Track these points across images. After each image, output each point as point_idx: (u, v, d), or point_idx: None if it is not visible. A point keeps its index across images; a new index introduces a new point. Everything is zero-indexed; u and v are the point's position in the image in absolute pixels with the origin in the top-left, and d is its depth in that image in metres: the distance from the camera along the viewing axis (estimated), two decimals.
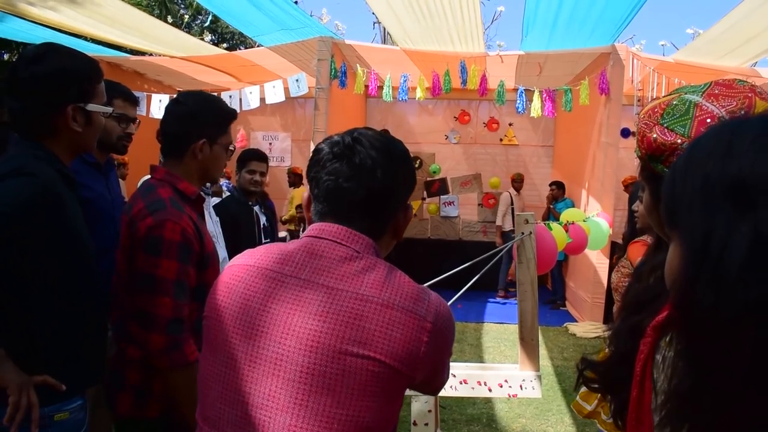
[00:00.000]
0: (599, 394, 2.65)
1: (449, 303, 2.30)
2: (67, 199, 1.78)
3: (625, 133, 8.79)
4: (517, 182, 9.51)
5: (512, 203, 9.30)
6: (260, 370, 1.10)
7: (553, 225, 5.02)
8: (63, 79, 1.79)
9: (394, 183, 1.22)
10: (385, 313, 1.09)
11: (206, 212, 3.11)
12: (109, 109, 1.97)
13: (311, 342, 1.07)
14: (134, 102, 2.73)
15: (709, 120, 1.11)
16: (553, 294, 9.06)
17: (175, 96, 2.07)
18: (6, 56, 13.00)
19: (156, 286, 1.80)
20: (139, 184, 4.94)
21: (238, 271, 1.20)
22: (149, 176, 2.07)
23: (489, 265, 2.75)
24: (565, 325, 7.75)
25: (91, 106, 1.85)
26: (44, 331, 1.71)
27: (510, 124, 10.99)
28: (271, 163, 5.24)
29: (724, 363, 0.69)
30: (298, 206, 8.87)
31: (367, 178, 1.18)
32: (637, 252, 3.50)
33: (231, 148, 2.16)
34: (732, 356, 0.68)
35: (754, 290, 0.66)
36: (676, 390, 0.77)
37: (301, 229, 8.71)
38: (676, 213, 0.78)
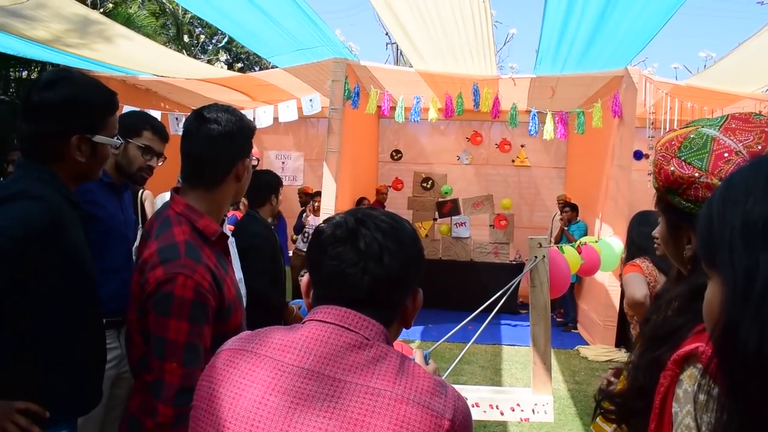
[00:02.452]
0: None
1: (482, 326, 2.29)
2: (71, 223, 1.77)
3: (638, 155, 8.77)
4: (560, 203, 9.49)
5: (552, 225, 9.36)
6: None
7: (566, 248, 5.02)
8: (72, 109, 1.77)
9: (403, 269, 1.12)
10: (399, 408, 0.98)
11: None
12: (118, 142, 1.95)
13: None
14: (163, 137, 2.67)
15: (726, 154, 1.13)
16: (564, 316, 9.01)
17: (195, 111, 1.88)
18: (24, 73, 13.20)
19: (165, 350, 1.62)
20: (156, 201, 4.91)
21: (233, 357, 1.10)
22: (167, 193, 1.91)
23: (510, 289, 2.74)
24: (576, 348, 7.69)
25: (99, 138, 1.83)
26: (35, 357, 1.69)
27: (522, 146, 11.01)
28: (283, 182, 5.21)
29: None
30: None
31: (373, 264, 1.08)
32: (627, 271, 3.58)
33: (255, 162, 2.04)
34: None
35: None
36: None
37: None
38: (715, 252, 0.77)
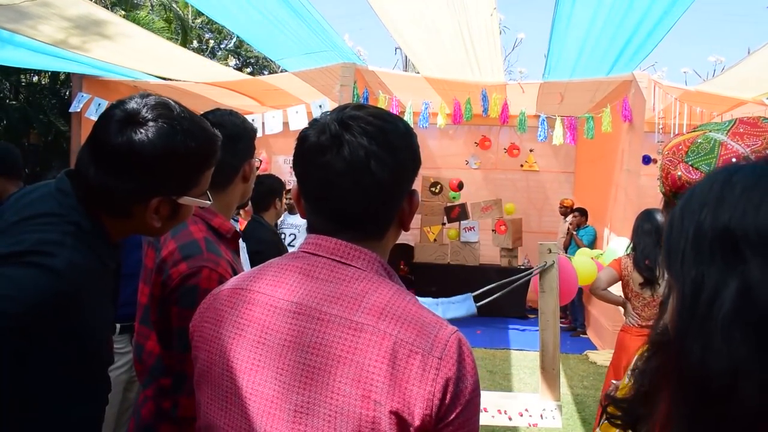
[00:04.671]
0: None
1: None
2: (92, 294, 1.24)
3: (646, 160, 8.75)
4: (561, 207, 9.47)
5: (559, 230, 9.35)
6: (256, 406, 0.99)
7: (578, 256, 5.07)
8: (165, 165, 1.28)
9: (395, 176, 1.03)
10: (381, 344, 0.93)
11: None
12: (207, 203, 1.48)
13: (304, 379, 0.96)
14: None
15: (734, 159, 1.12)
16: (573, 321, 8.98)
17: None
18: (35, 78, 13.28)
19: (188, 342, 1.59)
20: None
21: (232, 296, 1.08)
22: None
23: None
24: (585, 352, 7.67)
25: (186, 200, 1.38)
26: None
27: (531, 150, 10.97)
28: (291, 187, 5.19)
29: (714, 418, 0.67)
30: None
31: (361, 173, 1.00)
32: (608, 265, 4.12)
33: (257, 163, 2.01)
34: (720, 412, 0.66)
35: (740, 348, 0.64)
36: None
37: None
38: (671, 261, 0.76)
